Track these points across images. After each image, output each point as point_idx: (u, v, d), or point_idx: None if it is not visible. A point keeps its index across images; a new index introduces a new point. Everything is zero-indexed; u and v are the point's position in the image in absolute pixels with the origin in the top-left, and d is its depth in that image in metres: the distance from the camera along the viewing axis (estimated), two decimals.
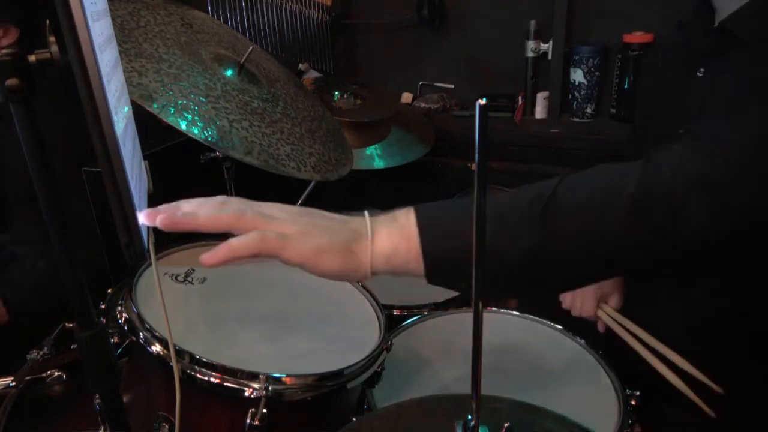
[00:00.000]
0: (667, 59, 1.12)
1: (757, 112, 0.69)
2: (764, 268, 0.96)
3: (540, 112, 1.94)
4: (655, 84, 1.16)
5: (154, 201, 0.73)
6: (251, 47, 1.23)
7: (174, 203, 0.68)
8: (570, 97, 1.89)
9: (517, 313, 1.19)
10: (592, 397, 0.98)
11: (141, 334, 0.82)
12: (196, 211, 0.67)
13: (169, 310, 0.78)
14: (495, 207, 0.67)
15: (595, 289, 1.14)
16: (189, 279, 0.99)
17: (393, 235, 0.69)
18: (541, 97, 1.92)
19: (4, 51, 0.50)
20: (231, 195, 1.36)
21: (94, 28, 0.49)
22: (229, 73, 1.17)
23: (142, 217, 0.63)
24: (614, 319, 1.11)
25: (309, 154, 1.15)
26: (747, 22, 0.86)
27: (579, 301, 1.15)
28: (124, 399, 0.83)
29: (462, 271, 0.65)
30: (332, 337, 0.94)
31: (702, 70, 0.97)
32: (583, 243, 0.67)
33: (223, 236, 0.68)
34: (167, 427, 0.81)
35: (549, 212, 0.66)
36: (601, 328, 1.15)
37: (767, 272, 0.96)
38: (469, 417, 0.56)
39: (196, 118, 0.98)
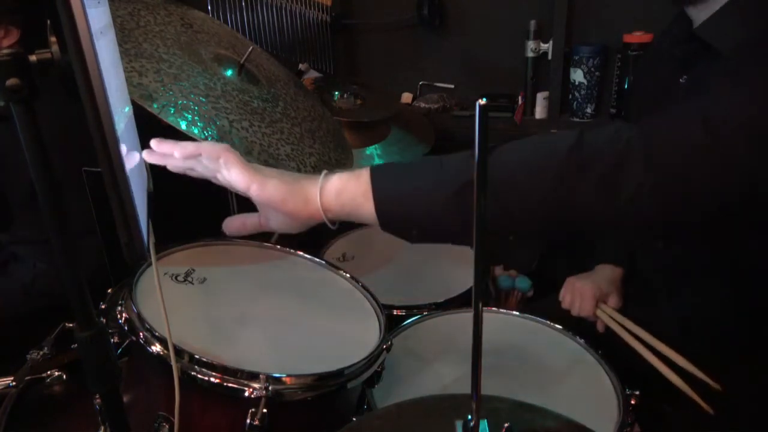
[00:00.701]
0: (653, 65, 1.13)
1: (706, 110, 0.70)
2: (763, 268, 0.96)
3: (540, 112, 1.94)
4: (644, 89, 1.16)
5: (154, 201, 0.73)
6: (251, 47, 1.23)
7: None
8: (570, 97, 1.89)
9: (517, 313, 1.19)
10: (592, 397, 0.98)
11: (141, 334, 0.82)
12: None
13: (169, 310, 0.78)
14: (438, 159, 0.73)
15: (594, 290, 1.15)
16: (189, 279, 0.99)
17: (343, 177, 0.74)
18: (541, 97, 1.92)
19: (5, 51, 0.50)
20: (231, 195, 1.37)
21: (94, 28, 0.49)
22: (229, 73, 1.17)
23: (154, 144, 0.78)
24: (613, 319, 1.11)
25: (309, 154, 1.15)
26: (716, 31, 0.87)
27: (578, 301, 1.16)
28: (124, 399, 0.83)
29: (413, 215, 0.71)
30: (332, 338, 0.94)
31: (684, 77, 0.98)
32: (511, 194, 0.69)
33: (227, 237, 0.71)
34: (167, 427, 0.81)
35: (493, 150, 0.71)
36: (600, 327, 1.15)
37: (766, 272, 0.96)
38: (469, 417, 0.57)
39: (196, 118, 0.98)
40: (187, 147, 0.79)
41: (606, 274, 1.19)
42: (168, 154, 0.79)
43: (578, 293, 1.16)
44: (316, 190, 0.74)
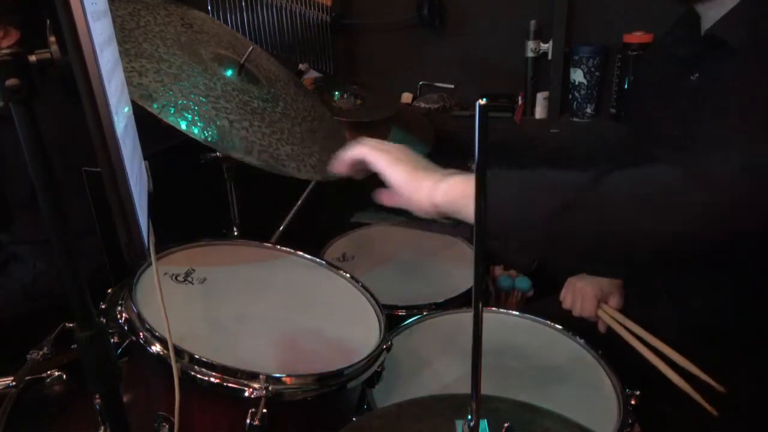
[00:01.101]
0: (657, 65, 1.13)
1: None
2: (763, 268, 0.96)
3: (540, 112, 1.94)
4: (648, 88, 1.16)
5: (154, 201, 0.73)
6: (251, 47, 1.23)
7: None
8: (570, 97, 1.89)
9: (517, 313, 1.19)
10: (592, 397, 0.98)
11: (141, 334, 0.82)
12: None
13: (169, 310, 0.78)
14: (550, 175, 0.72)
15: (596, 290, 1.14)
16: (189, 279, 0.99)
17: (458, 177, 0.77)
18: (541, 97, 1.92)
19: (5, 51, 0.50)
20: (231, 195, 1.36)
21: (94, 28, 0.49)
22: (229, 73, 1.17)
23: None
24: (615, 320, 1.11)
25: (309, 154, 1.15)
26: (731, 29, 0.88)
27: (579, 301, 1.15)
28: (124, 399, 0.83)
29: (513, 224, 0.72)
30: (332, 337, 0.94)
31: (696, 75, 0.98)
32: (615, 227, 0.70)
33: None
34: (167, 427, 0.81)
35: (603, 177, 0.70)
36: (602, 328, 1.15)
37: (766, 272, 0.96)
38: (469, 417, 0.57)
39: (196, 118, 0.98)
40: (337, 165, 0.88)
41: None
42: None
43: (579, 294, 1.16)
44: (429, 182, 0.77)
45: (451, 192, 0.75)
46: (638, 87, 1.28)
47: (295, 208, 1.60)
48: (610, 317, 1.12)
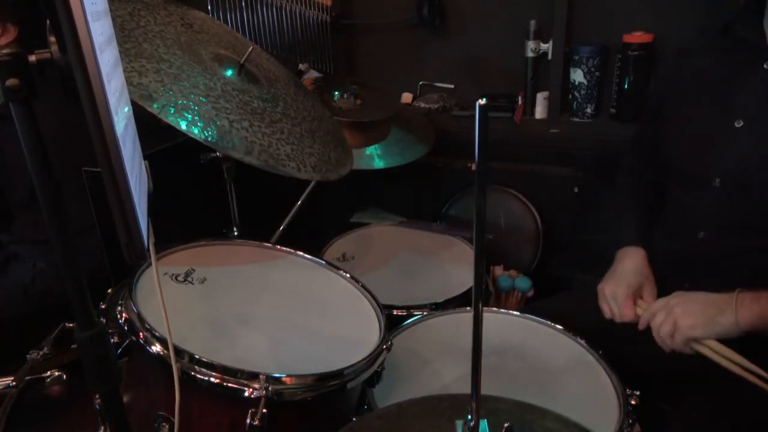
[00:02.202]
0: (706, 58, 1.12)
1: None
2: None
3: (540, 112, 1.94)
4: (685, 83, 1.14)
5: (154, 201, 0.73)
6: (251, 47, 1.23)
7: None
8: (570, 97, 1.89)
9: (517, 313, 1.19)
10: (592, 397, 0.98)
11: (141, 334, 0.82)
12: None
13: (169, 310, 0.78)
14: None
15: (626, 290, 1.09)
16: (189, 279, 0.99)
17: (749, 307, 0.94)
18: (541, 97, 1.92)
19: (4, 51, 0.50)
20: (231, 195, 1.37)
21: (94, 28, 0.49)
22: (229, 73, 1.17)
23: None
24: None
25: (309, 154, 1.15)
26: None
27: (615, 308, 1.10)
28: (124, 399, 0.83)
29: None
30: (332, 337, 0.94)
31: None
32: None
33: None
34: (167, 427, 0.81)
35: None
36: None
37: None
38: (469, 417, 0.57)
39: (196, 118, 0.98)
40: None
41: (630, 266, 1.12)
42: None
43: (612, 299, 1.10)
44: (730, 319, 0.94)
45: (746, 319, 0.93)
46: (667, 85, 1.23)
47: (295, 208, 1.61)
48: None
